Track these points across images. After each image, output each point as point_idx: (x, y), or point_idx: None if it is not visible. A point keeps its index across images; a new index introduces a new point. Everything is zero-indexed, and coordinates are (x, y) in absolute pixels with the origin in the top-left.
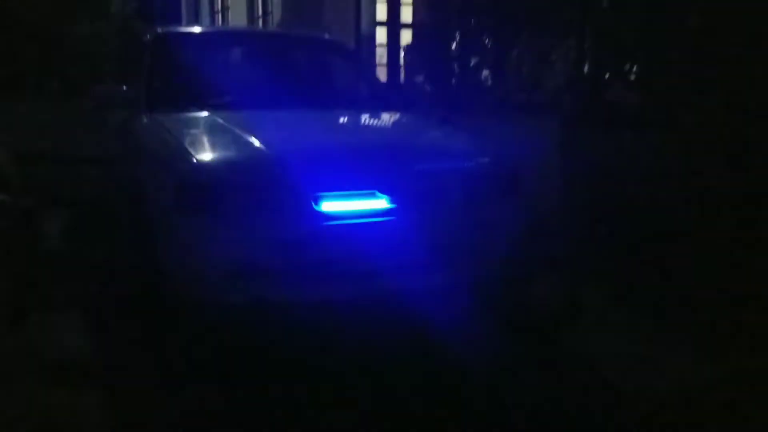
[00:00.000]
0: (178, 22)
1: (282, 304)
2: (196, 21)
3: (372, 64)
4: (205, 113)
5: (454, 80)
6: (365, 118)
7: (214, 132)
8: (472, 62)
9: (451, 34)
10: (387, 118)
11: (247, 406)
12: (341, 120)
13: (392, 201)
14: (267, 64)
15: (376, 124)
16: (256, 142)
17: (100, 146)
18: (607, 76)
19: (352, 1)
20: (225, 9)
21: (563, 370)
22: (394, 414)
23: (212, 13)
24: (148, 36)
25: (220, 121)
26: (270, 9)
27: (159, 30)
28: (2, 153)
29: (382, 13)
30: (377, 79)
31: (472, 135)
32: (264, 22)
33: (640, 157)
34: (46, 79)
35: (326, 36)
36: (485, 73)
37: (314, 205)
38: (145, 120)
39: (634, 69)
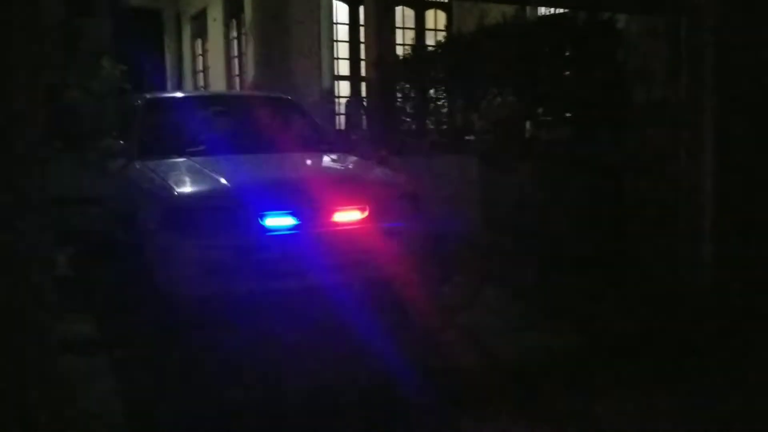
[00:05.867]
0: (163, 81)
1: (236, 295)
2: (179, 80)
3: (332, 113)
4: (182, 159)
5: (396, 126)
6: (301, 159)
7: (189, 172)
8: (412, 111)
9: (392, 87)
10: (317, 158)
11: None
12: (283, 161)
13: (299, 219)
14: (230, 119)
15: (307, 163)
16: (217, 179)
17: (101, 188)
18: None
19: (315, 60)
20: (206, 69)
21: (452, 338)
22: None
23: (194, 73)
24: (139, 101)
25: (193, 164)
26: (246, 69)
27: (147, 96)
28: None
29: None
30: (320, 127)
31: (385, 168)
32: (240, 80)
33: (544, 180)
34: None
35: (277, 94)
36: (422, 120)
37: (257, 222)
38: (137, 166)
39: (542, 112)
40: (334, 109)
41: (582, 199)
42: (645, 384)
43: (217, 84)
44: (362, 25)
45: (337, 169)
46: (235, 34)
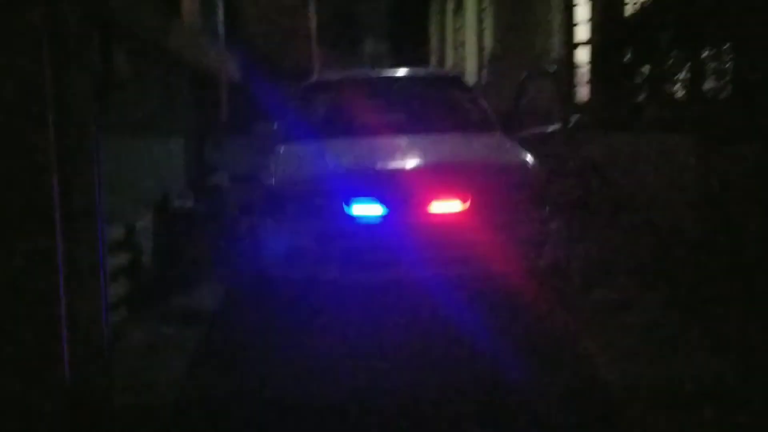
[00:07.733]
0: (427, 57)
1: (327, 282)
2: (441, 53)
3: (568, 85)
4: (316, 143)
5: (609, 99)
6: (430, 143)
7: (306, 158)
8: (632, 81)
9: (612, 54)
10: (449, 141)
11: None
12: (406, 146)
13: (388, 209)
14: (386, 100)
15: (428, 147)
16: (317, 166)
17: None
18: None
19: (550, 28)
20: (463, 43)
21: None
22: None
23: (455, 47)
24: (302, 85)
25: (316, 149)
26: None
27: (311, 79)
28: (224, 174)
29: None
30: (481, 106)
31: (519, 152)
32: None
33: None
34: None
35: (441, 71)
36: (641, 90)
37: (343, 210)
38: (279, 149)
39: None
40: (569, 80)
41: None
42: None
43: (470, 58)
44: None
45: (454, 154)
46: (485, 6)
